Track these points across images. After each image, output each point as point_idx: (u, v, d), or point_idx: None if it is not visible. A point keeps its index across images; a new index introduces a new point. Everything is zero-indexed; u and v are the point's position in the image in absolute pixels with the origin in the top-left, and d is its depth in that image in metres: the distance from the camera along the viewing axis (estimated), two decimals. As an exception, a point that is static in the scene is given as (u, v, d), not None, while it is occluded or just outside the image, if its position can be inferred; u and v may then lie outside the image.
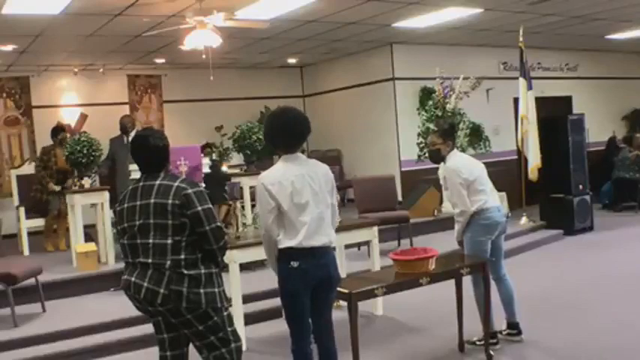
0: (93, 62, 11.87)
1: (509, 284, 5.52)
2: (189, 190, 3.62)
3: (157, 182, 3.68)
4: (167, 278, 3.55)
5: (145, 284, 3.59)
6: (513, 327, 5.57)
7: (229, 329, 3.76)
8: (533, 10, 9.59)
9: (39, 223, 9.71)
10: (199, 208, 3.60)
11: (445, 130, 5.55)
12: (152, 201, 3.64)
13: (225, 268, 3.88)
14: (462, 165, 5.34)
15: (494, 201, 5.39)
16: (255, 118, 13.28)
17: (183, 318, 3.64)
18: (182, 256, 3.58)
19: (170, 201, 3.59)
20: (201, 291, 3.60)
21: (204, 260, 3.67)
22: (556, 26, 11.14)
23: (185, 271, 3.57)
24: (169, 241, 3.58)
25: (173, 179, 3.70)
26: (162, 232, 3.60)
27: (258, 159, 10.66)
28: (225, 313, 3.74)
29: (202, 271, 3.63)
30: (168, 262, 3.56)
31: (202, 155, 8.55)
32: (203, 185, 8.03)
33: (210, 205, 3.69)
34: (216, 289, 3.69)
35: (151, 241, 3.62)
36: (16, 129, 12.08)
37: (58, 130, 9.75)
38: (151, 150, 3.75)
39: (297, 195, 3.95)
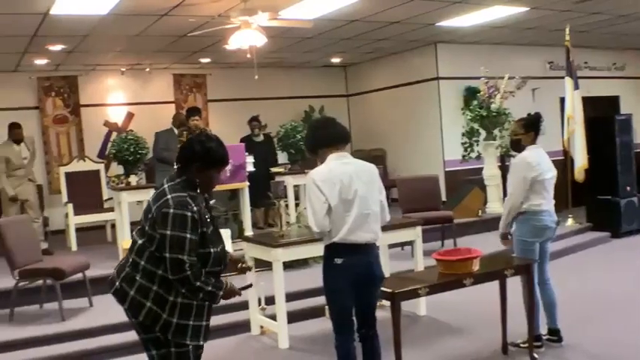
0: (139, 62, 12.05)
1: (551, 290, 5.46)
2: (171, 211, 3.30)
3: (166, 184, 3.47)
4: (124, 274, 3.43)
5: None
6: (554, 333, 5.50)
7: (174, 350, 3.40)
8: (579, 8, 9.45)
9: (87, 219, 9.94)
10: (168, 233, 3.29)
11: (529, 120, 5.53)
12: (150, 199, 3.52)
13: (204, 297, 3.41)
14: (537, 162, 5.29)
15: (548, 205, 5.33)
16: (299, 117, 13.34)
17: (131, 320, 3.47)
18: (142, 262, 3.40)
19: (153, 208, 3.39)
20: (147, 304, 3.35)
21: (163, 284, 3.35)
22: (602, 25, 10.94)
23: (138, 278, 3.38)
24: (139, 241, 3.43)
25: (171, 190, 3.40)
26: (140, 231, 3.49)
27: (302, 158, 10.69)
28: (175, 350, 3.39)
29: (155, 288, 3.35)
30: (130, 261, 3.45)
31: (247, 154, 8.59)
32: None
33: (186, 236, 3.30)
34: (174, 320, 3.35)
35: (133, 235, 3.58)
36: (65, 127, 12.32)
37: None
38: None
39: (344, 192, 4.03)
